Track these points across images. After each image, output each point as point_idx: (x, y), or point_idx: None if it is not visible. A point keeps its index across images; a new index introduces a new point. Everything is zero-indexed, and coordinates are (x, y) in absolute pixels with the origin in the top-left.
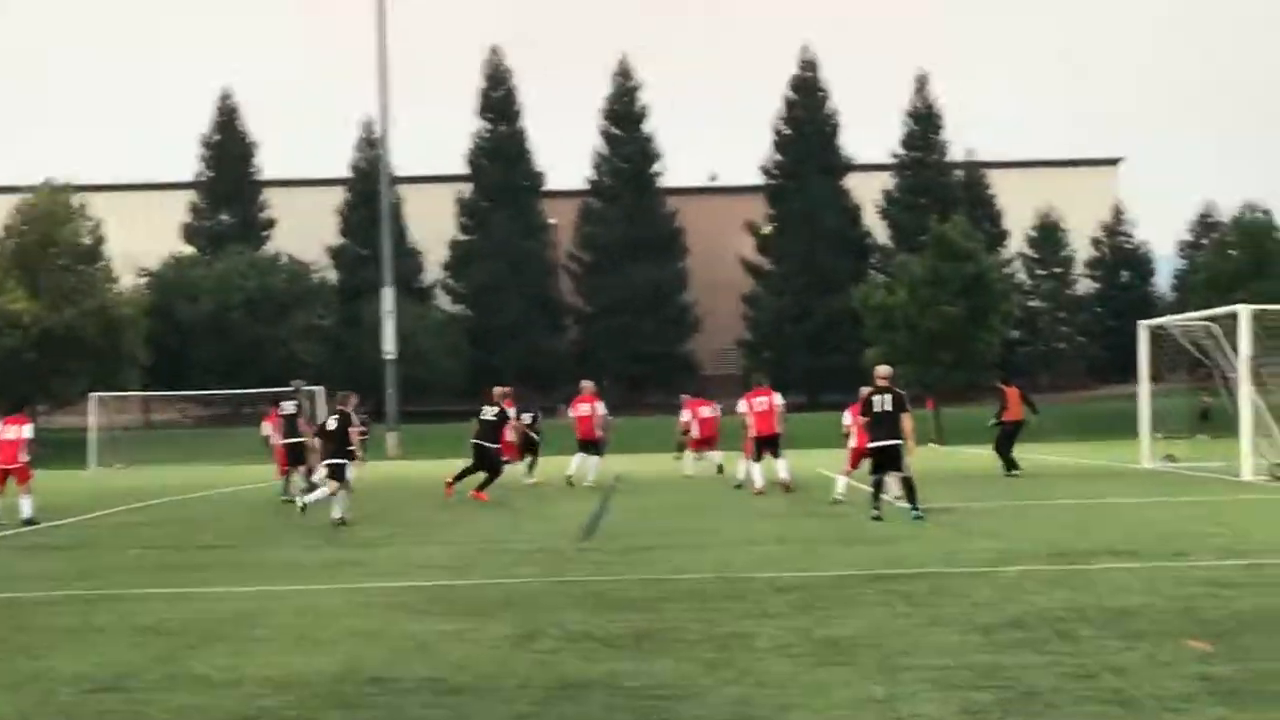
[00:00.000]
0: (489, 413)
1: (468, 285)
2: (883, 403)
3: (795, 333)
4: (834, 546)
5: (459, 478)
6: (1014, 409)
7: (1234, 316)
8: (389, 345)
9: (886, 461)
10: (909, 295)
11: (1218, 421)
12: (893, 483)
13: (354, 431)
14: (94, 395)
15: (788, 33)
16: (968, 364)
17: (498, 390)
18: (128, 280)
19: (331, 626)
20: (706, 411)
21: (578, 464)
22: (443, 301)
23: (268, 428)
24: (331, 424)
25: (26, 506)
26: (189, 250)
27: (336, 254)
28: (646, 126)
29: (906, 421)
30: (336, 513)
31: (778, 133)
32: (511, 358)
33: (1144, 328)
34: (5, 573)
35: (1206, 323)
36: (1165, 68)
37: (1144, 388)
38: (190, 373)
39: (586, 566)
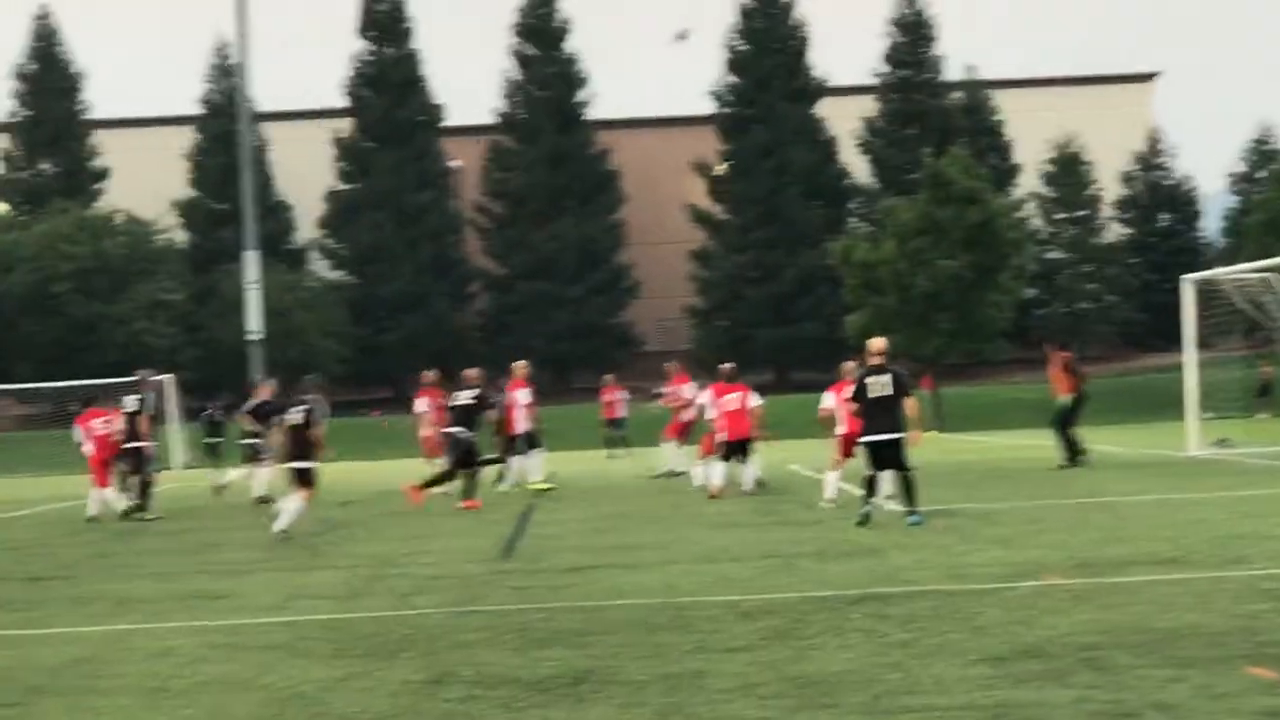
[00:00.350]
0: (463, 397)
1: (350, 246)
2: (879, 385)
3: (757, 297)
4: (810, 561)
5: (432, 483)
6: (1060, 381)
7: None
8: (254, 323)
9: (887, 459)
10: (898, 248)
11: None
12: (886, 481)
13: (317, 430)
14: None
15: None
16: (973, 332)
17: (470, 373)
18: None
19: (191, 674)
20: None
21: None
22: (320, 267)
23: (80, 432)
24: (297, 417)
25: None
26: (2, 208)
27: (186, 211)
28: (569, 45)
29: (910, 407)
30: (282, 523)
31: (733, 50)
32: (405, 335)
33: (1189, 283)
34: None
35: (1267, 274)
36: None
37: (1190, 356)
38: (6, 362)
39: (506, 594)
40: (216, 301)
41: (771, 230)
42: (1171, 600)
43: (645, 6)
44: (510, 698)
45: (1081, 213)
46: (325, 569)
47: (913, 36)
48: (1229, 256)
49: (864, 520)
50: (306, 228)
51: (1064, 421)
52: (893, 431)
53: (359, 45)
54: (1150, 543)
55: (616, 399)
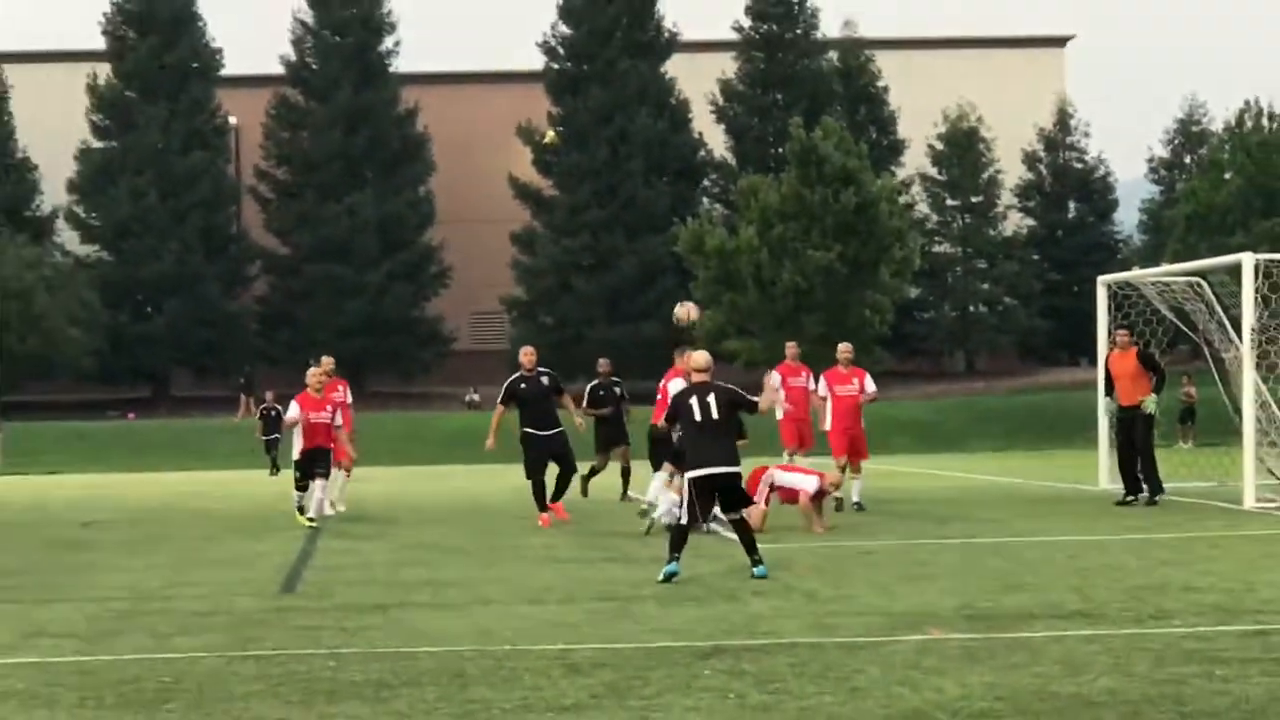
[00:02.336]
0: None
1: (105, 217)
2: (705, 406)
3: (590, 289)
4: (652, 606)
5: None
6: (1127, 386)
7: (1234, 269)
8: None
9: (724, 495)
10: (759, 235)
11: (1206, 421)
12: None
13: None
14: None
15: None
16: (846, 337)
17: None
18: None
19: None
20: None
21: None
22: (68, 240)
23: None
24: None
25: None
26: None
27: None
28: None
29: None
30: None
31: None
32: (167, 323)
33: (1103, 285)
34: None
35: (1192, 278)
36: None
37: (1102, 372)
38: None
39: (288, 635)
40: None
41: (609, 210)
42: (1082, 661)
43: None
44: None
45: (976, 199)
46: (69, 601)
47: None
48: (1148, 255)
49: (648, 530)
50: (54, 193)
51: (1129, 435)
52: (728, 465)
53: None
54: (1055, 592)
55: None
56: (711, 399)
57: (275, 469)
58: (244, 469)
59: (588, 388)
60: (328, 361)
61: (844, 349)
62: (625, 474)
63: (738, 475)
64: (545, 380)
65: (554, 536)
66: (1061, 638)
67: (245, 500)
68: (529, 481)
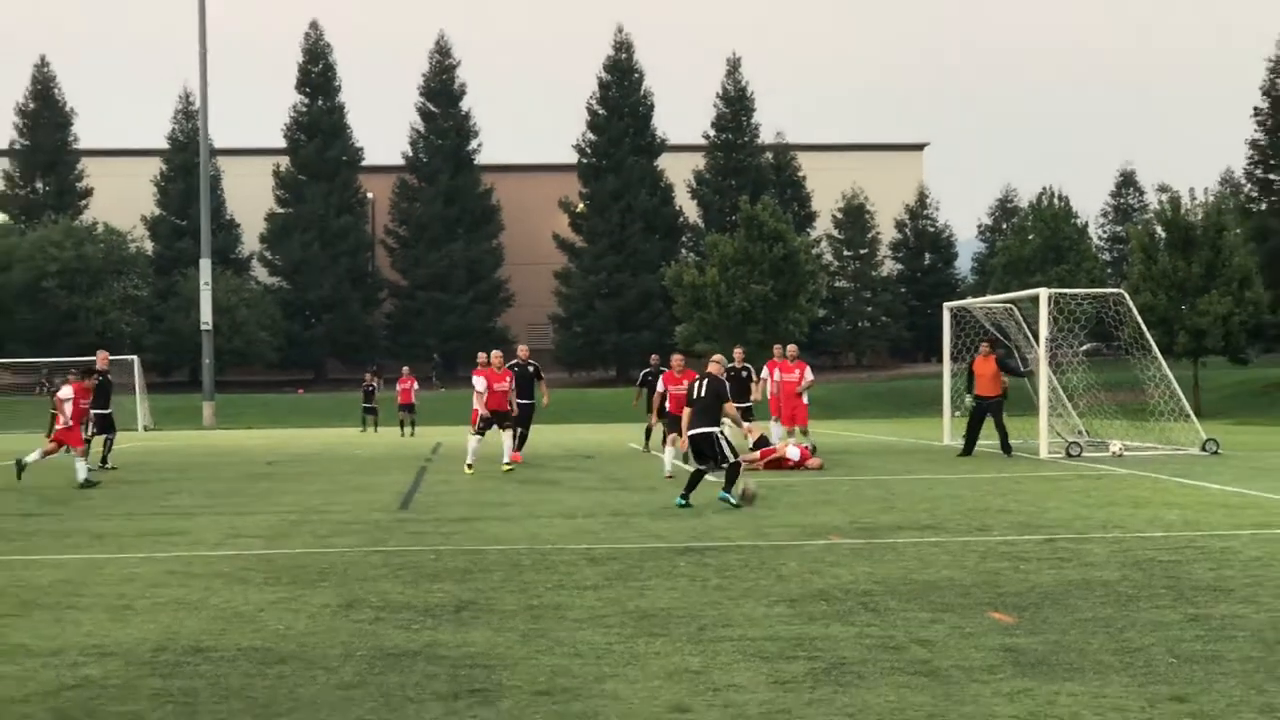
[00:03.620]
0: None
1: (284, 258)
2: (699, 390)
3: (606, 309)
4: (646, 519)
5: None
6: (986, 383)
7: (1034, 299)
8: (206, 316)
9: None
10: (719, 274)
11: (1014, 400)
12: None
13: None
14: None
15: (603, 14)
16: (777, 342)
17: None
18: None
19: (152, 595)
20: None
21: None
22: (260, 274)
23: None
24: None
25: None
26: (2, 218)
27: (153, 225)
28: (464, 104)
29: (728, 409)
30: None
31: (592, 113)
32: (325, 331)
33: (947, 309)
34: None
35: (1007, 304)
36: (969, 55)
37: (947, 367)
38: (3, 341)
39: (403, 537)
40: (176, 298)
41: (619, 257)
42: (930, 558)
43: (526, 75)
44: (407, 620)
45: (863, 251)
46: (258, 514)
47: (734, 108)
48: (978, 289)
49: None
50: (250, 242)
51: (984, 416)
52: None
53: (297, 98)
54: (914, 513)
55: (408, 384)
56: (705, 385)
57: (367, 428)
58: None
59: (642, 373)
60: (498, 355)
61: (791, 349)
62: (648, 433)
63: (714, 435)
64: (530, 369)
65: (582, 475)
66: (918, 543)
67: (375, 448)
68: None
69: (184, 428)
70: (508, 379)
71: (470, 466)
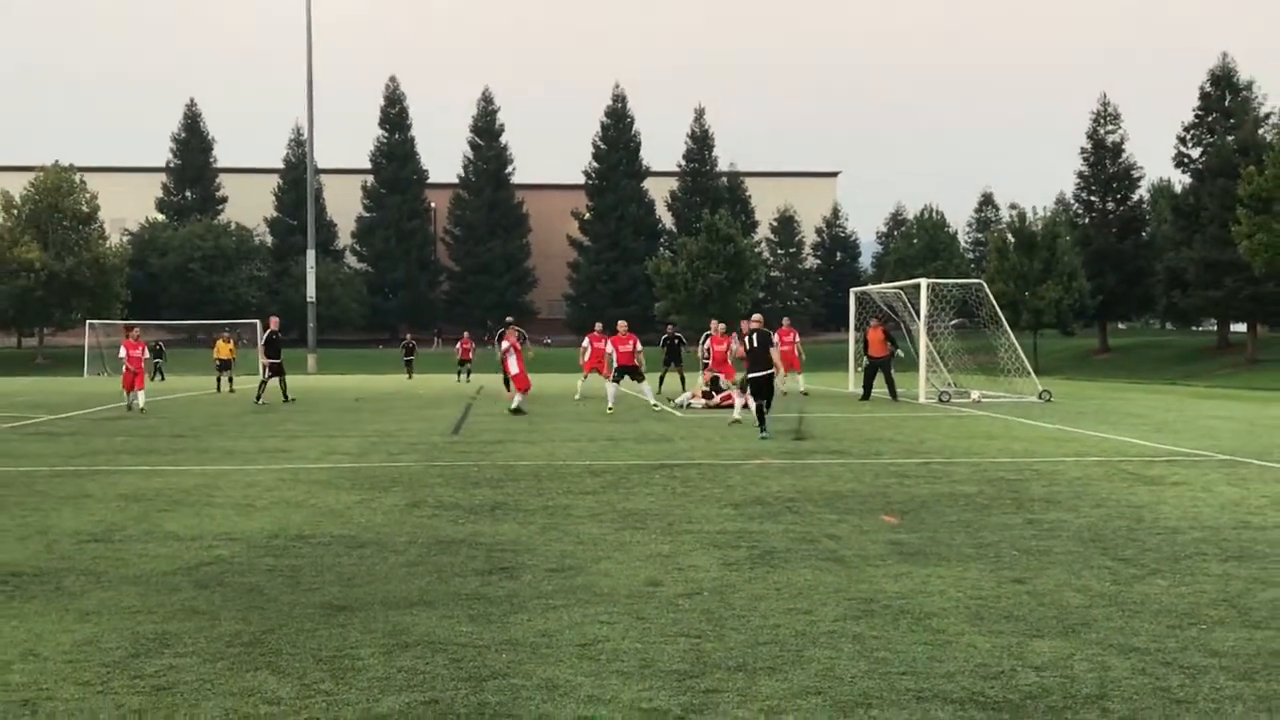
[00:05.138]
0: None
1: (369, 250)
2: (752, 340)
3: (605, 290)
4: (631, 444)
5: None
6: (875, 346)
7: (917, 287)
8: (311, 292)
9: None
10: (687, 266)
11: (903, 360)
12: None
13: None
14: (88, 322)
15: (606, 75)
16: (727, 315)
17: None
18: (115, 239)
19: (266, 497)
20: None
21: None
22: (350, 261)
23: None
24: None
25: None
26: (161, 218)
27: (272, 224)
28: (503, 139)
29: (774, 356)
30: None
31: (596, 147)
32: (398, 304)
33: (852, 293)
34: (20, 452)
35: (897, 290)
36: (874, 97)
37: (851, 335)
38: (160, 309)
39: (453, 455)
40: (289, 278)
41: (614, 253)
42: (838, 475)
43: (549, 112)
44: (457, 516)
45: (792, 250)
46: (347, 437)
47: (700, 145)
48: (876, 279)
49: (766, 436)
50: (344, 238)
51: (875, 371)
52: (765, 369)
53: (379, 132)
54: (826, 441)
55: (468, 345)
56: (756, 338)
57: (410, 374)
58: (435, 374)
59: (662, 339)
60: (623, 324)
61: (756, 319)
62: (660, 380)
63: (771, 375)
64: (515, 334)
65: (586, 411)
66: (828, 464)
67: (435, 390)
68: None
69: (293, 373)
70: (632, 341)
71: (611, 409)
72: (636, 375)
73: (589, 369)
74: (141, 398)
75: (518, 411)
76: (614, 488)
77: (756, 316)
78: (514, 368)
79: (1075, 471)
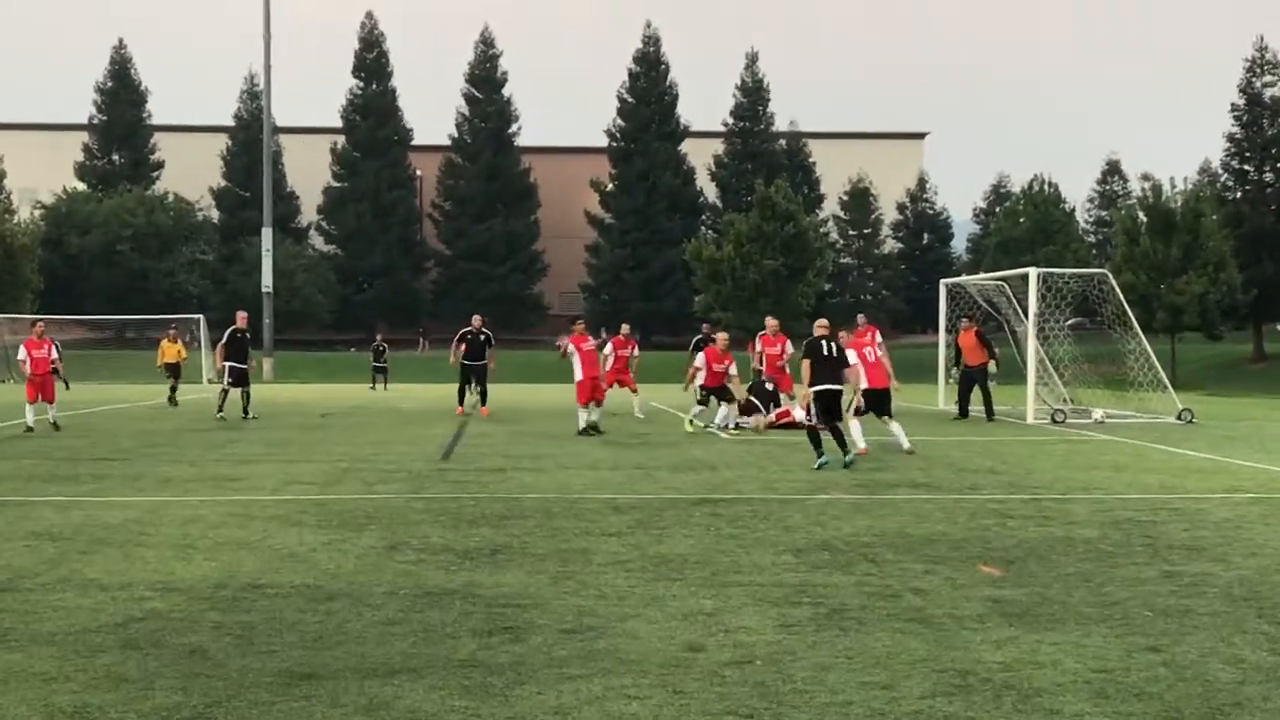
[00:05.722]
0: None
1: (339, 228)
2: (829, 348)
3: (631, 280)
4: (664, 472)
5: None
6: (971, 353)
7: (1024, 277)
8: (267, 280)
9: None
10: (734, 250)
11: (1005, 371)
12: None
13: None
14: None
15: (633, 8)
16: (785, 312)
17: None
18: (24, 213)
19: (213, 535)
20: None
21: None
22: (316, 242)
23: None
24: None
25: None
26: (82, 187)
27: (219, 196)
28: (506, 91)
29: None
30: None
31: (622, 101)
32: (375, 296)
33: (943, 285)
34: None
35: (999, 282)
36: (968, 47)
37: (942, 338)
38: (80, 299)
39: (444, 485)
40: (239, 263)
41: (644, 233)
42: (925, 514)
43: (563, 61)
44: (447, 562)
45: (867, 231)
46: (312, 462)
47: (752, 98)
48: (972, 268)
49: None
50: (308, 212)
51: (972, 383)
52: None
53: (353, 82)
54: (910, 472)
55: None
56: (833, 346)
57: (377, 385)
58: (421, 382)
59: (694, 340)
60: (723, 338)
61: (822, 324)
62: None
63: (842, 392)
64: (482, 337)
65: (607, 431)
66: (913, 499)
67: (419, 402)
68: (458, 387)
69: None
70: (727, 362)
71: (692, 424)
72: (725, 396)
73: (612, 380)
74: (52, 411)
75: (588, 431)
76: (644, 528)
77: (822, 321)
78: (578, 372)
79: (1224, 511)
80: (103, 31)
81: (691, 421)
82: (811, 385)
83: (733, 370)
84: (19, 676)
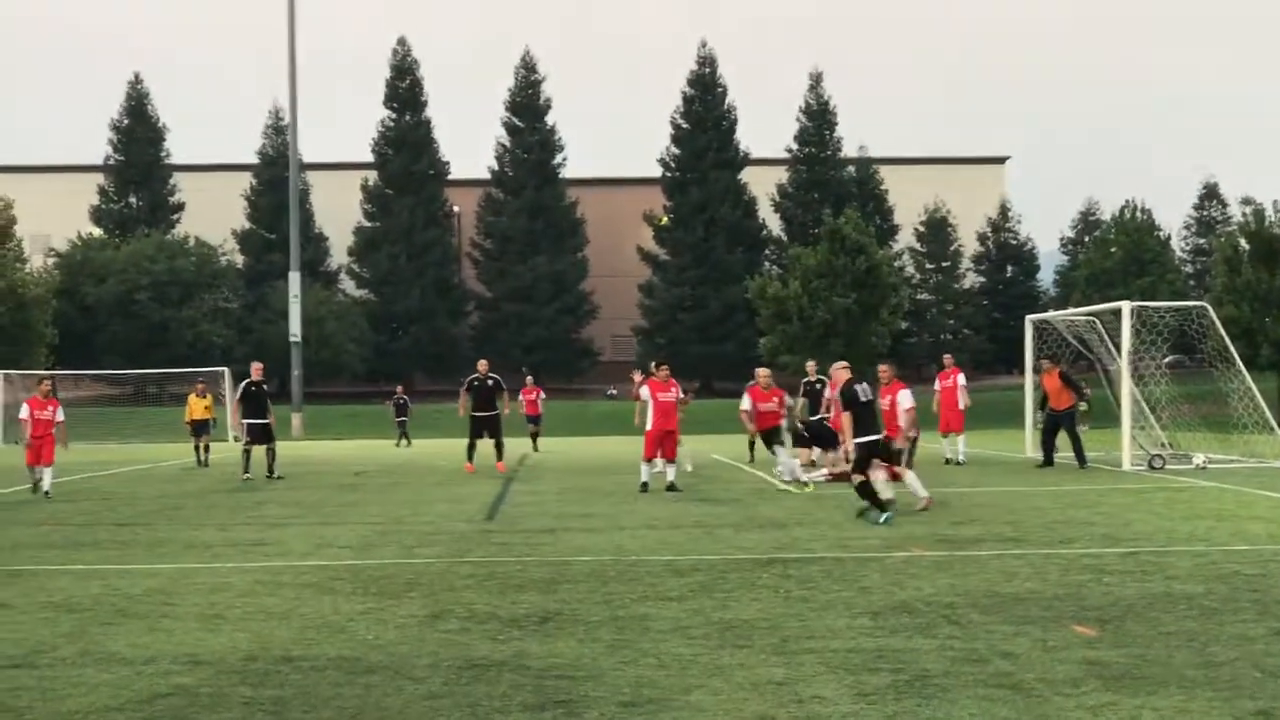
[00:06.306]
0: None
1: (372, 271)
2: (864, 393)
3: (689, 321)
4: (729, 531)
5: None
6: (1056, 396)
7: (1117, 312)
8: (295, 328)
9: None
10: (801, 287)
11: (1097, 413)
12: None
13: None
14: (3, 373)
15: (688, 29)
16: (858, 354)
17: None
18: (37, 261)
19: (242, 605)
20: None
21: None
22: (347, 286)
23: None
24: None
25: None
26: (97, 232)
27: (243, 238)
28: (549, 119)
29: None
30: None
31: (676, 127)
32: (411, 342)
33: (1030, 321)
34: None
35: (1089, 317)
36: (1050, 68)
37: (1029, 379)
38: (97, 353)
39: (489, 548)
40: (265, 310)
41: (702, 270)
42: (1013, 571)
43: (611, 90)
44: (494, 631)
45: (945, 264)
46: (346, 525)
47: (817, 122)
48: (1060, 302)
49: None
50: (339, 255)
51: (1056, 428)
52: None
53: (384, 113)
54: (996, 525)
55: (534, 398)
56: (867, 387)
57: (400, 443)
58: (461, 438)
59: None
60: (765, 374)
61: (883, 369)
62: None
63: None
64: (490, 382)
65: (656, 487)
66: (1000, 555)
67: (461, 459)
68: (468, 442)
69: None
70: (775, 398)
71: (805, 484)
72: (772, 440)
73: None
74: (48, 478)
75: (671, 488)
76: (707, 591)
77: (884, 366)
78: (649, 422)
79: None
80: (117, 66)
81: (802, 483)
82: (856, 437)
83: (789, 401)
84: None
